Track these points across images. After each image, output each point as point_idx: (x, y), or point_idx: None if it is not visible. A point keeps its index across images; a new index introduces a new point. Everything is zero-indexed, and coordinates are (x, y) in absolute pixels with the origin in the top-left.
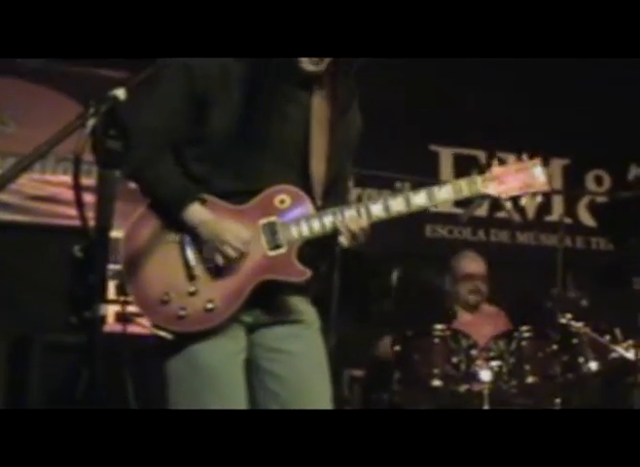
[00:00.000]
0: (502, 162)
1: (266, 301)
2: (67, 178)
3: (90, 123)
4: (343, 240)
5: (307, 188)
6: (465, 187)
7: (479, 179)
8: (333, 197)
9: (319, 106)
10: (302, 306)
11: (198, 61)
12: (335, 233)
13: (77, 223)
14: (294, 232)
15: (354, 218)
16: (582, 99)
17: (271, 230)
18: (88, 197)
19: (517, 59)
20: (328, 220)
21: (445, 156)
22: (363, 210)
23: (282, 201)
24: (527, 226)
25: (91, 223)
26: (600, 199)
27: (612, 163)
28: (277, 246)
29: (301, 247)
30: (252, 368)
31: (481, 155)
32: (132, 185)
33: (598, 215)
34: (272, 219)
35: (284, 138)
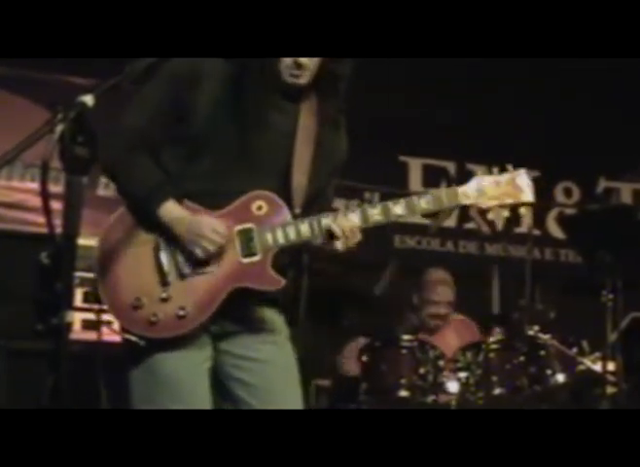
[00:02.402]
0: (487, 172)
1: (235, 309)
2: (34, 185)
3: (58, 129)
4: (337, 243)
5: (287, 196)
6: (445, 197)
7: (459, 190)
8: (313, 212)
9: (305, 118)
10: (271, 315)
11: (184, 63)
12: (308, 240)
13: (44, 230)
14: (269, 239)
15: (344, 220)
16: (551, 111)
17: (247, 236)
18: (56, 205)
19: (488, 71)
20: (304, 228)
21: (415, 166)
22: (342, 218)
23: (259, 208)
24: (496, 237)
25: (58, 230)
26: (569, 212)
27: (581, 176)
28: (252, 253)
29: (275, 255)
30: (218, 376)
31: (451, 166)
32: (101, 192)
33: (567, 227)
34: (248, 225)
35: (266, 146)
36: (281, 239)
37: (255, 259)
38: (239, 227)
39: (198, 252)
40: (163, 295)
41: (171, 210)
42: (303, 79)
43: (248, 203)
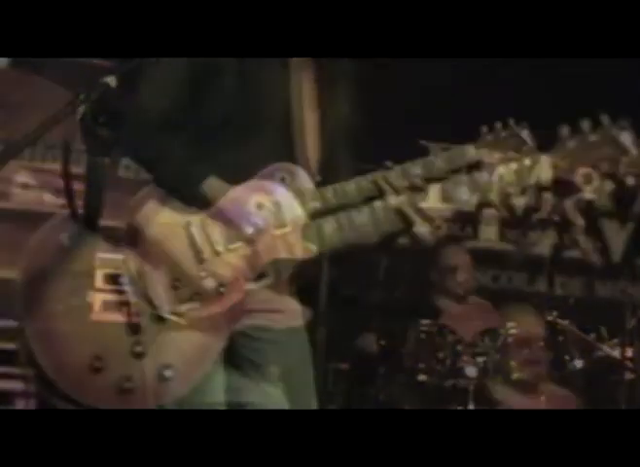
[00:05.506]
0: (491, 129)
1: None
2: (56, 166)
3: (81, 110)
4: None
5: (304, 163)
6: (457, 154)
7: (471, 148)
8: (333, 177)
9: (303, 82)
10: (286, 296)
11: None
12: (332, 208)
13: (66, 211)
14: (297, 209)
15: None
16: (573, 97)
17: (276, 208)
18: (77, 186)
19: (509, 59)
20: (329, 195)
21: (435, 151)
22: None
23: (282, 179)
24: (516, 223)
25: (80, 211)
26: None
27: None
28: (282, 225)
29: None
30: (232, 356)
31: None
32: (122, 173)
33: (586, 213)
34: (275, 197)
35: (273, 114)
36: (309, 208)
37: (286, 230)
38: (266, 199)
39: (248, 229)
40: (202, 273)
41: (214, 184)
42: None
43: (270, 175)
